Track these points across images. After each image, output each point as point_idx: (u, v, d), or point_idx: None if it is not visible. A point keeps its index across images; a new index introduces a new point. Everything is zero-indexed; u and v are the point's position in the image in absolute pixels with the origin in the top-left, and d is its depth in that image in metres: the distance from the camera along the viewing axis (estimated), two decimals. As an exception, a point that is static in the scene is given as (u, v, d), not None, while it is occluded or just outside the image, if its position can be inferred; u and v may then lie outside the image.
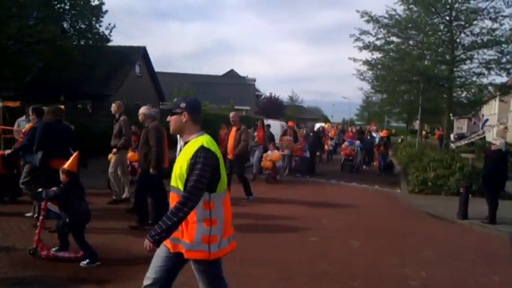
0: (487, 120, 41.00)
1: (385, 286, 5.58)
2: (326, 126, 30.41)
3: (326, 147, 23.81)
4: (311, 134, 18.86)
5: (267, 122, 23.51)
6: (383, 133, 21.54)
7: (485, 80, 19.19)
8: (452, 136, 35.86)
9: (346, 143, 20.95)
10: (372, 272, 6.10)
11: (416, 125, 40.15)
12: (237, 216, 8.99)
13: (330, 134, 26.68)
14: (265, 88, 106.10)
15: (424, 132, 46.19)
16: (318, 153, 21.02)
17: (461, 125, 62.74)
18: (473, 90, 19.75)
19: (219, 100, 46.06)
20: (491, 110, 45.28)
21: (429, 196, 13.11)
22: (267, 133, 16.45)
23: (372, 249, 7.31)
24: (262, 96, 65.54)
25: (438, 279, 5.95)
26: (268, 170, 14.61)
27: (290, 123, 19.16)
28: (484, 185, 10.37)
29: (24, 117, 11.20)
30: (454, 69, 18.99)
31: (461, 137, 43.64)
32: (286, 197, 12.02)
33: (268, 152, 14.60)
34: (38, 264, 5.52)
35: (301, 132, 20.26)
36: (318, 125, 29.25)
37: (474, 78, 19.20)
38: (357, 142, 20.90)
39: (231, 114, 11.36)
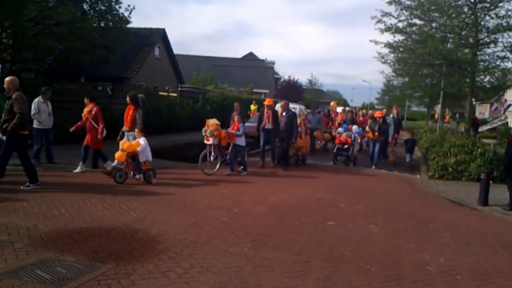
0: (510, 105, 40.29)
1: (402, 271, 5.54)
2: (332, 105, 24.46)
3: (328, 135, 19.34)
4: (284, 114, 14.00)
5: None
6: (377, 114, 16.66)
7: (509, 64, 18.87)
8: (474, 121, 35.30)
9: (340, 129, 17.45)
10: (390, 256, 6.06)
11: (438, 109, 39.65)
12: (254, 201, 9.05)
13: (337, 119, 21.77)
14: (284, 71, 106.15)
15: (447, 117, 45.51)
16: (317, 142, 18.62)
17: (483, 110, 61.85)
18: (496, 75, 19.36)
19: (237, 83, 46.03)
20: (514, 95, 44.42)
21: (449, 182, 12.96)
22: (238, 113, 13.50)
23: (390, 234, 7.26)
24: (281, 80, 65.21)
25: (457, 266, 5.89)
26: (123, 164, 10.19)
27: (268, 101, 14.33)
28: (506, 172, 10.20)
29: (41, 98, 11.42)
30: (478, 52, 18.66)
31: (483, 122, 43.06)
32: (303, 182, 12.01)
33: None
34: (58, 244, 5.62)
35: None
36: (339, 109, 27.23)
37: (498, 62, 18.89)
38: (354, 127, 17.30)
39: (6, 79, 8.81)
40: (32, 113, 11.14)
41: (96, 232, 6.20)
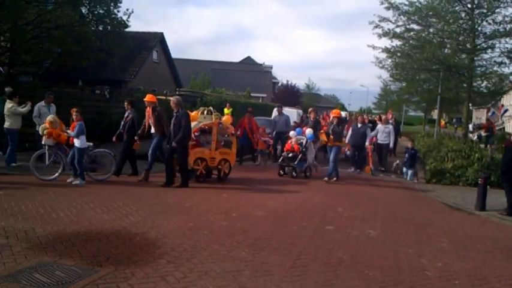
0: (506, 110, 40.37)
1: (401, 276, 5.54)
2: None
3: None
4: (175, 113, 10.85)
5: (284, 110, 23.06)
6: (333, 113, 14.09)
7: (506, 70, 18.99)
8: (470, 126, 35.40)
9: (292, 133, 14.08)
10: (388, 261, 6.07)
11: (435, 114, 39.72)
12: (252, 205, 9.05)
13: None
14: (282, 75, 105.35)
15: (443, 122, 45.50)
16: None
17: (480, 115, 62.02)
18: (493, 80, 19.47)
19: (235, 87, 45.90)
20: (511, 100, 44.58)
21: (447, 187, 13.01)
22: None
23: (389, 238, 7.27)
24: (279, 84, 65.20)
25: (455, 270, 5.90)
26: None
27: (148, 97, 11.50)
28: (503, 177, 10.23)
29: (43, 102, 11.57)
30: (475, 58, 18.77)
31: (479, 127, 43.13)
32: (300, 187, 12.01)
33: None
34: (56, 248, 5.61)
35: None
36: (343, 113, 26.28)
37: (495, 68, 19.02)
38: (307, 131, 13.46)
39: None
40: (33, 116, 11.52)
41: (94, 236, 6.19)
